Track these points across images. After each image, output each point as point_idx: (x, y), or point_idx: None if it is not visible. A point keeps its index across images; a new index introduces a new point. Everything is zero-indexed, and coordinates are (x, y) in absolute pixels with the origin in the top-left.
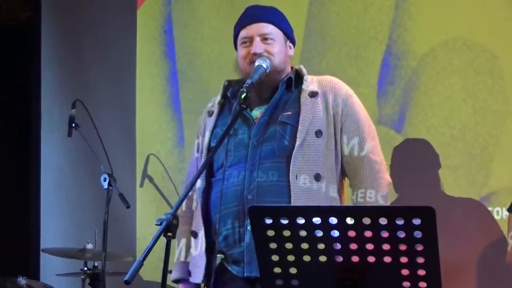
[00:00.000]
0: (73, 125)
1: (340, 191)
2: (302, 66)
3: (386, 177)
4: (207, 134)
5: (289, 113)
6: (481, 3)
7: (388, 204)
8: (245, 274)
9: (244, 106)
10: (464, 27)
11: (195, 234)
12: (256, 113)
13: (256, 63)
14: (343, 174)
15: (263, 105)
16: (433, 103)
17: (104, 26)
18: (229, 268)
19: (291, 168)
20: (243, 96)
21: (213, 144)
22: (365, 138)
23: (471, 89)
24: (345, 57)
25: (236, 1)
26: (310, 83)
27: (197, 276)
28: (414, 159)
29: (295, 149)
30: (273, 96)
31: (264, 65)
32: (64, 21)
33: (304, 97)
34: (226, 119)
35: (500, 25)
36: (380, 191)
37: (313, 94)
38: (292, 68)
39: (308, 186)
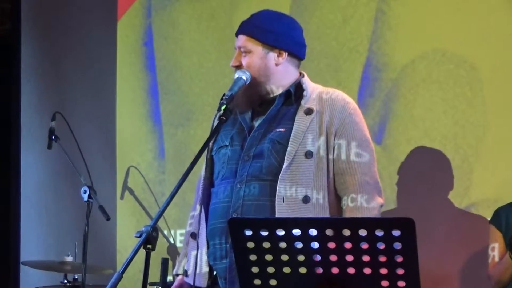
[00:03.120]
0: (53, 137)
1: (331, 200)
2: (304, 78)
3: (375, 193)
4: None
5: (282, 129)
6: (461, 15)
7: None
8: None
9: (223, 118)
10: (443, 38)
11: (194, 236)
12: (256, 124)
13: (236, 75)
14: (334, 183)
15: (263, 116)
16: (413, 114)
17: (85, 38)
18: (218, 281)
19: (277, 189)
20: (222, 108)
21: (213, 153)
22: (357, 149)
23: (451, 101)
24: (325, 69)
25: (217, 14)
26: (311, 96)
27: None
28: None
29: (282, 170)
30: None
31: (244, 77)
32: (44, 33)
33: (300, 114)
34: (228, 127)
35: (479, 37)
36: (372, 200)
37: (309, 111)
38: (301, 73)
39: (294, 207)
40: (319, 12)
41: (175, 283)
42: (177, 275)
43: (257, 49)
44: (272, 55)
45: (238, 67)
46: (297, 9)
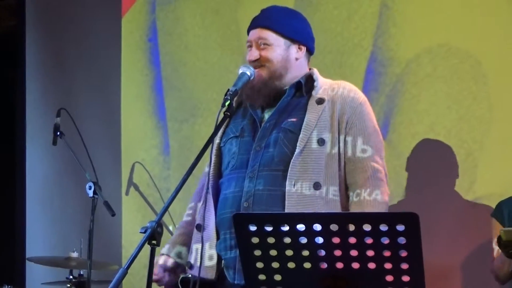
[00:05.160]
0: (58, 133)
1: (341, 192)
2: (315, 70)
3: (385, 188)
4: (219, 134)
5: (294, 119)
6: (465, 10)
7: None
8: (235, 281)
9: (228, 113)
10: (448, 33)
11: (199, 228)
12: (267, 115)
13: (240, 71)
14: (345, 176)
15: (273, 108)
16: (417, 109)
17: (89, 34)
18: (225, 273)
19: (288, 176)
20: (227, 103)
21: (222, 144)
22: (366, 145)
23: (455, 96)
24: (330, 65)
25: (221, 9)
26: (322, 88)
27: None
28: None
29: (293, 157)
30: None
31: (248, 73)
32: (48, 29)
33: (311, 103)
34: (239, 119)
35: (484, 32)
36: (374, 193)
37: (320, 101)
38: (310, 69)
39: (305, 193)
40: (323, 7)
41: (159, 261)
42: (162, 254)
43: (279, 41)
44: (293, 49)
45: (257, 60)
46: (302, 4)
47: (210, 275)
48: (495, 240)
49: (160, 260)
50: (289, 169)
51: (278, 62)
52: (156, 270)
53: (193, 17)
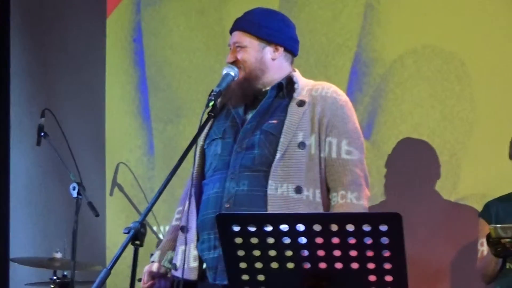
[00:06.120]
0: (42, 134)
1: (323, 194)
2: (296, 73)
3: (366, 191)
4: (203, 136)
5: (274, 121)
6: (449, 11)
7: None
8: (216, 281)
9: (211, 114)
10: (432, 34)
11: (183, 230)
12: (249, 117)
13: (224, 71)
14: (326, 178)
15: (255, 109)
16: (401, 110)
17: (73, 34)
18: (206, 274)
19: (270, 180)
20: (210, 104)
21: (205, 146)
22: (348, 146)
23: (439, 96)
24: (314, 65)
25: (206, 10)
26: (303, 90)
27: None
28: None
29: (275, 161)
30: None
31: (232, 73)
32: (33, 30)
33: (292, 106)
34: (221, 120)
35: (468, 33)
36: (361, 198)
37: (301, 103)
38: (294, 70)
39: (287, 197)
40: (308, 7)
41: (147, 268)
42: (153, 262)
43: (253, 43)
44: (269, 50)
45: (234, 63)
46: (287, 5)
47: (193, 276)
48: (481, 240)
49: (148, 267)
50: (271, 172)
51: (252, 63)
52: (144, 278)
53: (177, 17)
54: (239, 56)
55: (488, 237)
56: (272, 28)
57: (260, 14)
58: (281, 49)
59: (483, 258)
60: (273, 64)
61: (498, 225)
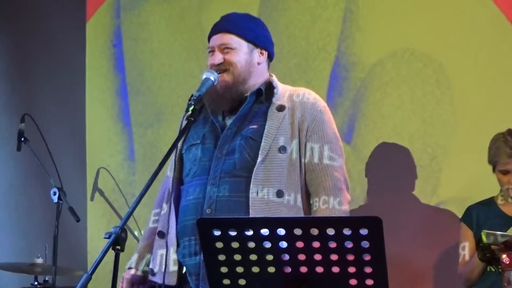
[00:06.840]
0: (22, 139)
1: (303, 199)
2: (274, 78)
3: (347, 195)
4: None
5: (255, 126)
6: (429, 15)
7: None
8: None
9: (191, 118)
10: (411, 38)
11: (162, 235)
12: (228, 122)
13: (204, 76)
14: (305, 183)
15: (234, 115)
16: (382, 113)
17: (53, 39)
18: (188, 279)
19: (251, 184)
20: (190, 108)
21: (183, 151)
22: (330, 152)
23: (419, 100)
24: (294, 69)
25: (186, 15)
26: (282, 95)
27: (171, 278)
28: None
29: (256, 164)
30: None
31: (212, 78)
32: (12, 34)
33: (272, 111)
34: (200, 125)
35: (447, 36)
36: (343, 203)
37: (281, 108)
38: (271, 75)
39: (268, 201)
40: (288, 12)
41: (125, 275)
42: (130, 268)
43: (243, 45)
44: (256, 53)
45: (221, 65)
46: (266, 10)
47: (172, 281)
48: (462, 244)
49: (126, 274)
50: (253, 176)
51: (242, 66)
52: (123, 285)
53: (157, 22)
54: (227, 57)
55: (479, 241)
56: (257, 32)
57: (242, 18)
58: (265, 54)
59: (464, 262)
60: (258, 68)
61: (491, 232)
